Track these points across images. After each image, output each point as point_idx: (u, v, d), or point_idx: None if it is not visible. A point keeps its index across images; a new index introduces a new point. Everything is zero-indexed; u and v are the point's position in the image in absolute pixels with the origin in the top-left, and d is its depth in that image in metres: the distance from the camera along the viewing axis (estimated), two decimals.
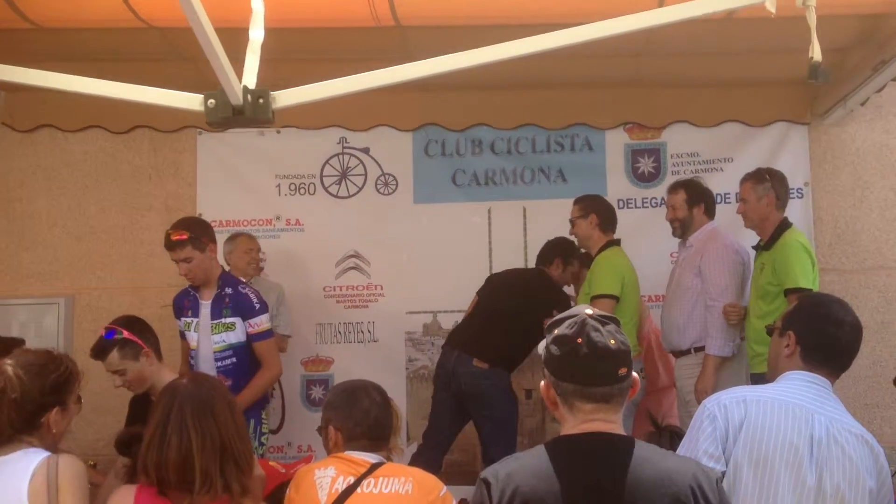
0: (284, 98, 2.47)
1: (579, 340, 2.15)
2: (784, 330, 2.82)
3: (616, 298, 5.16)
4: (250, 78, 2.43)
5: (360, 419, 3.06)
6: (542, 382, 2.27)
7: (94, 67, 5.03)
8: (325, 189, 6.40)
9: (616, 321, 2.23)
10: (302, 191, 6.41)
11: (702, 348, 5.04)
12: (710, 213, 5.31)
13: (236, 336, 4.63)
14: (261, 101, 2.43)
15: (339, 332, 6.28)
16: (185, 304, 4.78)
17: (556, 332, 2.22)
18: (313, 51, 4.83)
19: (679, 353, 5.24)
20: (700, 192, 5.34)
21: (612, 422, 2.19)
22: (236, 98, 2.42)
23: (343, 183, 6.40)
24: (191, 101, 2.47)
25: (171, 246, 4.59)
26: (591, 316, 2.20)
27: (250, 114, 2.43)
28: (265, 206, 6.36)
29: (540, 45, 2.37)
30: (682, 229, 5.30)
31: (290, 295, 6.02)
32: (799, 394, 2.66)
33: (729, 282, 5.06)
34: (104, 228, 6.37)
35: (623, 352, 2.18)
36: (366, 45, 4.58)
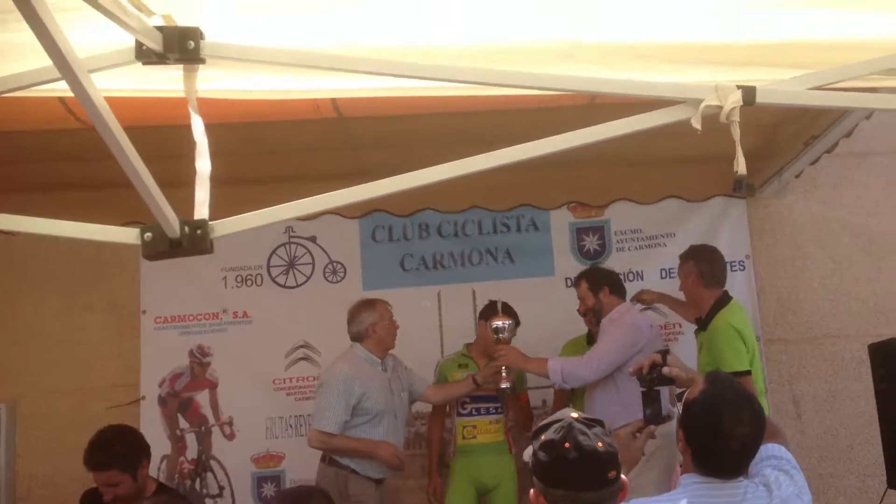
0: (222, 227, 2.45)
1: (567, 445, 2.11)
2: (679, 423, 2.65)
3: None
4: (203, 210, 2.41)
5: None
6: (532, 491, 2.21)
7: (31, 169, 5.02)
8: (273, 279, 6.34)
9: (601, 423, 2.20)
10: (249, 282, 6.34)
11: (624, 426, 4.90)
12: (618, 293, 5.27)
13: None
14: (198, 231, 2.40)
15: (290, 426, 6.12)
16: None
17: (542, 437, 2.17)
18: (251, 143, 4.82)
19: None
20: (600, 277, 5.33)
21: None
22: (173, 231, 2.39)
23: (290, 273, 6.35)
24: (127, 235, 2.44)
25: None
26: (576, 419, 2.16)
27: (188, 245, 2.40)
28: (211, 300, 6.26)
29: (482, 165, 2.46)
30: (595, 317, 5.26)
31: (238, 389, 5.89)
32: None
33: (615, 358, 4.96)
34: (42, 330, 6.21)
35: (611, 454, 2.14)
36: (306, 136, 4.59)
